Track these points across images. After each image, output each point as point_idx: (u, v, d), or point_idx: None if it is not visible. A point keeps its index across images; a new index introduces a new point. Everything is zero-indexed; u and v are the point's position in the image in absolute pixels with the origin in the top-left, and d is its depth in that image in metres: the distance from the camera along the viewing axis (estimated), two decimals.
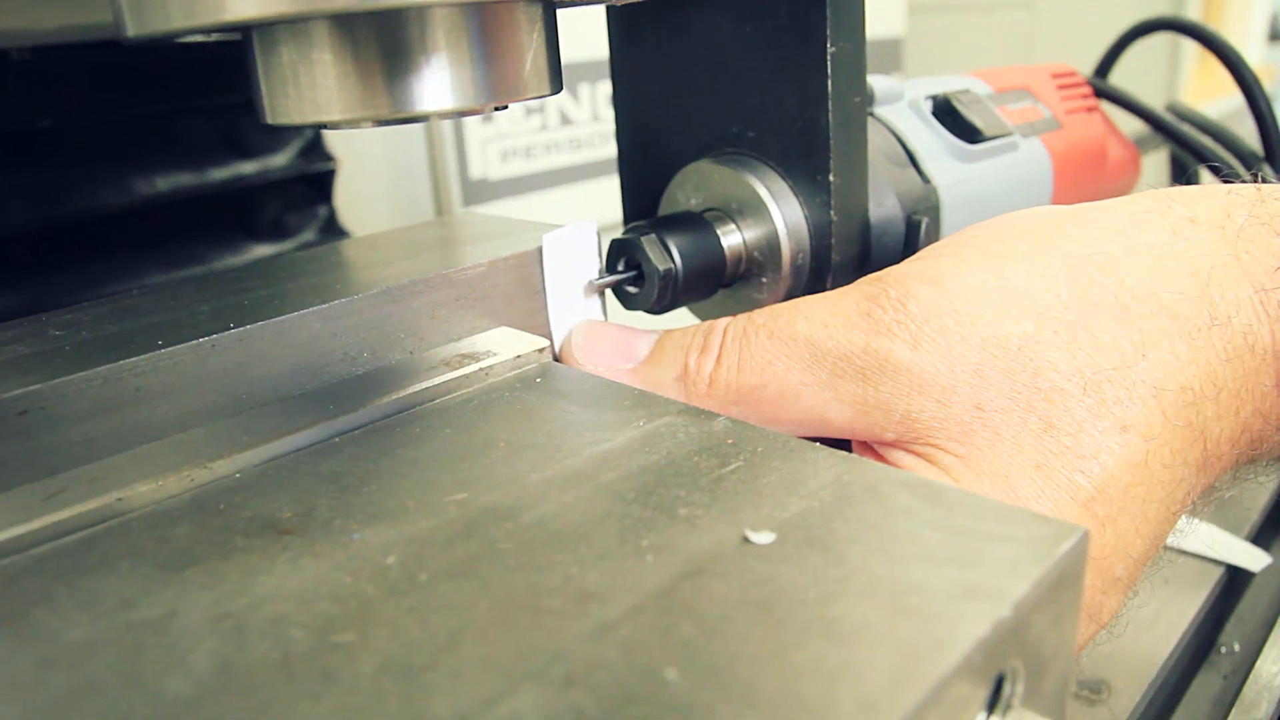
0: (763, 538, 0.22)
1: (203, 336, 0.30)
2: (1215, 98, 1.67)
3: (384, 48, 0.26)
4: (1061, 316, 0.30)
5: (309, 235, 0.75)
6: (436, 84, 0.27)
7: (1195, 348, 0.30)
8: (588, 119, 0.99)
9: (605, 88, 0.98)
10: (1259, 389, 0.30)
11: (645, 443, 0.28)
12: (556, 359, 0.38)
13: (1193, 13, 1.37)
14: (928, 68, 1.51)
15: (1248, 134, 0.69)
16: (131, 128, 0.64)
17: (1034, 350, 0.30)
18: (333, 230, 0.74)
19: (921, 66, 1.49)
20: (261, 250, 0.72)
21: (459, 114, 0.27)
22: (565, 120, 0.98)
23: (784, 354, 0.33)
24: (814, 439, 0.29)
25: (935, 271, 0.32)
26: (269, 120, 0.28)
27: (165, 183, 0.66)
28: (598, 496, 0.25)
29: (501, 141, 0.92)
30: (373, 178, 0.88)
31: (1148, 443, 0.29)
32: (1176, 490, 0.30)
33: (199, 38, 0.28)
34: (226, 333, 0.30)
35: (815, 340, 0.32)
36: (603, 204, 0.97)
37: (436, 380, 0.32)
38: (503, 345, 0.35)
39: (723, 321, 0.35)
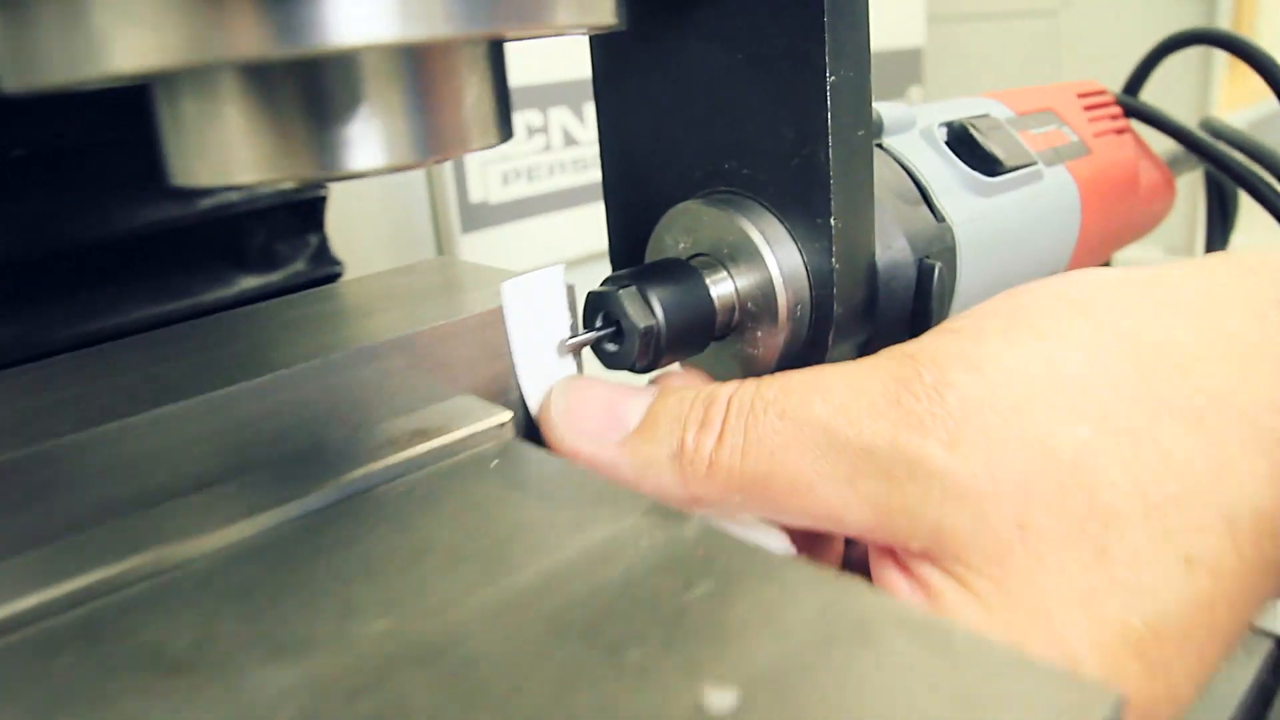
0: (723, 700, 0.18)
1: (113, 420, 0.27)
2: (1248, 104, 1.62)
3: (301, 100, 0.23)
4: (1125, 421, 0.26)
5: (300, 265, 0.71)
6: (364, 140, 0.23)
7: (1277, 466, 0.25)
8: (592, 139, 0.96)
9: None
10: None
11: (602, 555, 0.24)
12: (531, 422, 0.34)
13: (1223, 23, 1.32)
14: (949, 77, 1.46)
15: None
16: (111, 155, 0.61)
17: (1090, 461, 0.25)
18: (325, 260, 0.71)
19: (942, 76, 1.44)
20: (250, 281, 0.69)
21: (391, 171, 0.24)
22: (569, 140, 0.94)
23: (796, 439, 0.28)
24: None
25: (979, 354, 0.28)
26: (176, 181, 0.25)
27: (149, 212, 0.63)
28: (538, 630, 0.21)
29: (503, 163, 0.89)
30: (366, 204, 0.85)
31: (1215, 580, 0.25)
32: (1240, 631, 0.25)
33: (97, 86, 0.24)
34: (140, 416, 0.27)
35: (834, 427, 0.28)
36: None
37: (379, 465, 0.29)
38: (459, 419, 0.31)
39: (726, 390, 0.31)
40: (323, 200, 0.70)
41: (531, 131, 0.91)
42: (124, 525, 0.26)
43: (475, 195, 0.88)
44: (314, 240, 0.73)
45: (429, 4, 0.20)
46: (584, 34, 0.26)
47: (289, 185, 0.24)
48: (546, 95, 0.91)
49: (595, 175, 0.97)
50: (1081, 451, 0.26)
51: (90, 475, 0.26)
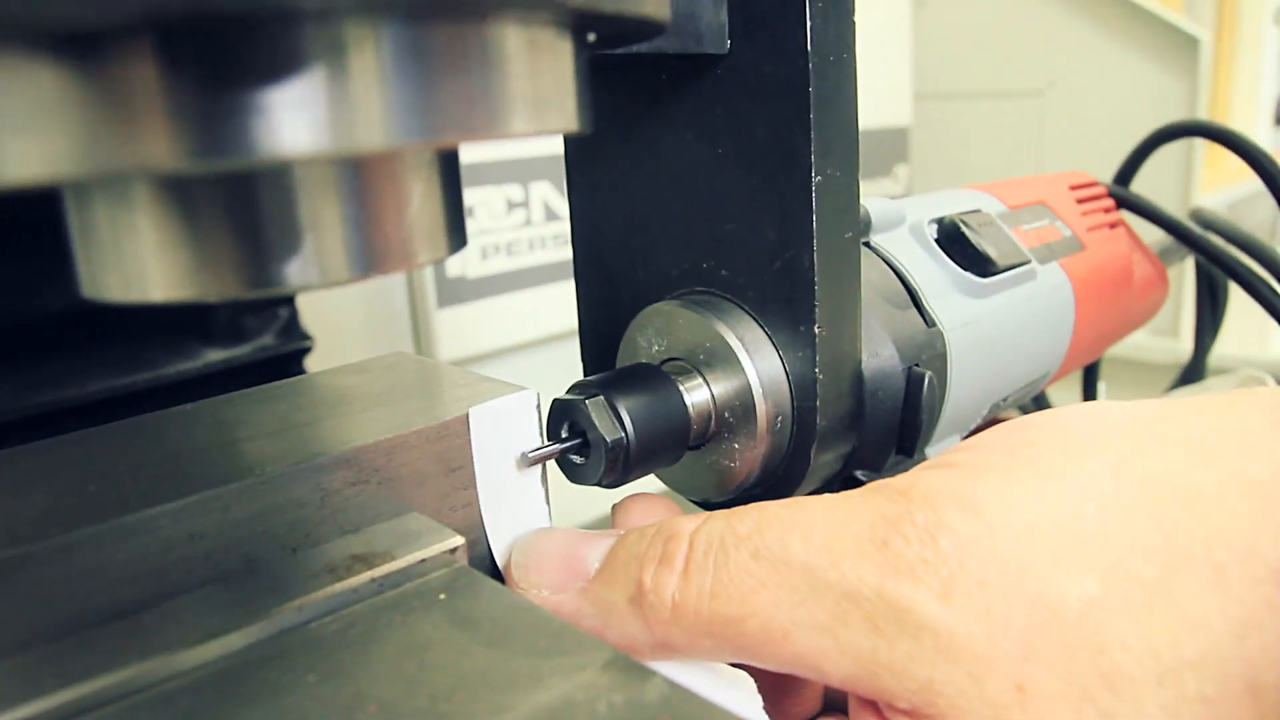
0: None
1: (15, 547, 0.24)
2: (1228, 183, 1.62)
3: (225, 212, 0.20)
4: (1137, 574, 0.23)
5: (268, 339, 0.69)
6: (294, 256, 0.21)
7: None
8: None
9: None
10: None
11: (554, 718, 0.21)
12: (489, 556, 0.31)
13: (1201, 96, 1.33)
14: (936, 156, 1.46)
15: (1264, 219, 0.63)
16: None
17: (1098, 619, 0.23)
18: (294, 334, 0.69)
19: (929, 155, 1.44)
20: (216, 354, 0.67)
21: (325, 287, 0.21)
22: (551, 215, 0.93)
23: (772, 581, 0.25)
24: None
25: (976, 494, 0.25)
26: (85, 293, 0.22)
27: None
28: None
29: (482, 237, 0.87)
30: None
31: None
32: None
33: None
34: (47, 542, 0.24)
35: (814, 569, 0.25)
36: None
37: (315, 596, 0.26)
38: (407, 542, 0.28)
39: (688, 524, 0.28)
40: None
41: (512, 206, 0.89)
42: (18, 665, 0.24)
43: (453, 269, 0.86)
44: (284, 314, 0.71)
45: (366, 115, 0.18)
46: (544, 136, 0.24)
47: (211, 302, 0.22)
48: (527, 169, 0.90)
49: None
50: (1089, 607, 0.23)
51: None
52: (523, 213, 0.91)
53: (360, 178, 0.21)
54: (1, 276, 0.56)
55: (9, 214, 0.54)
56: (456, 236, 0.23)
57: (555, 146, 0.90)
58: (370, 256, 0.21)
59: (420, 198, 0.21)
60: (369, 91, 0.18)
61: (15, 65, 0.17)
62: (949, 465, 0.27)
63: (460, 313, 0.88)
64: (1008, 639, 0.23)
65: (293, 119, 0.18)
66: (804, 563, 0.25)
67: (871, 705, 0.26)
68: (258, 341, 0.69)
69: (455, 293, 0.88)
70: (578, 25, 0.22)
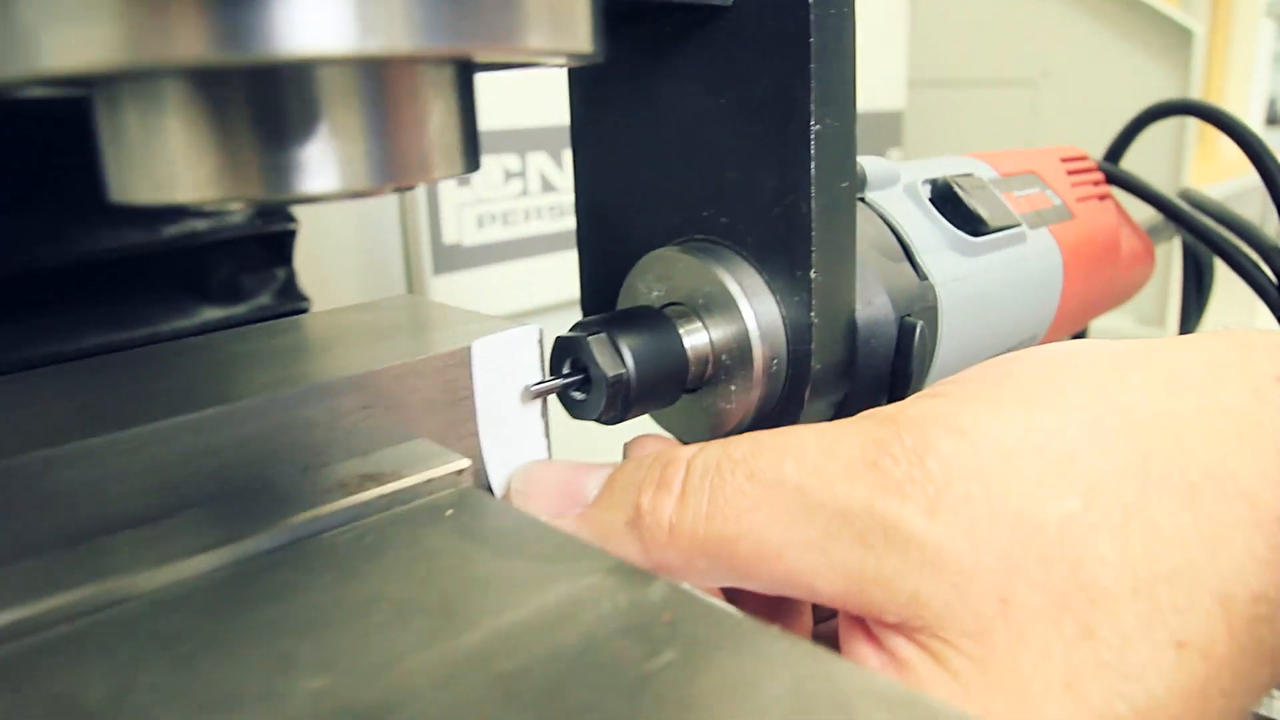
0: None
1: (38, 450, 0.25)
2: (1220, 179, 1.64)
3: (251, 114, 0.21)
4: (1115, 494, 0.24)
5: (265, 299, 0.70)
6: (315, 161, 0.21)
7: (1275, 547, 0.24)
8: (570, 186, 0.95)
9: None
10: None
11: (560, 615, 0.22)
12: (486, 483, 0.32)
13: (1194, 89, 1.34)
14: (928, 142, 1.47)
15: (1253, 216, 0.64)
16: (73, 179, 0.59)
17: (1078, 535, 0.24)
18: (291, 294, 0.70)
19: (922, 140, 1.45)
20: (213, 313, 0.67)
21: (347, 197, 0.22)
22: (547, 186, 0.93)
23: (766, 502, 0.26)
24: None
25: (962, 418, 0.26)
26: (114, 197, 0.23)
27: (111, 238, 0.61)
28: (487, 696, 0.19)
29: (478, 206, 0.88)
30: (337, 239, 0.83)
31: (1207, 664, 0.23)
32: (1233, 718, 0.24)
33: (39, 92, 0.23)
34: (69, 445, 0.25)
35: (806, 489, 0.26)
36: None
37: (327, 509, 0.27)
38: (415, 464, 0.29)
39: (685, 451, 0.29)
40: (292, 234, 0.69)
41: (509, 175, 0.89)
42: (44, 564, 0.24)
43: (449, 237, 0.86)
44: (281, 274, 0.72)
45: (390, 16, 0.19)
46: (558, 64, 0.24)
47: (235, 207, 0.22)
48: (525, 140, 0.90)
49: (572, 222, 0.96)
50: (1069, 524, 0.24)
51: (10, 509, 0.24)
52: (519, 183, 0.92)
53: (382, 87, 0.21)
54: (3, 230, 0.56)
55: (11, 166, 0.55)
56: (471, 157, 0.24)
57: (553, 118, 0.91)
58: (391, 167, 0.22)
59: (439, 113, 0.22)
60: None
61: None
62: (936, 395, 0.28)
63: (456, 280, 0.89)
64: (991, 553, 0.24)
65: (318, 18, 0.18)
66: (796, 484, 0.26)
67: (860, 623, 0.27)
68: (255, 301, 0.70)
69: (451, 260, 0.88)
70: None
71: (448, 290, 0.88)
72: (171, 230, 0.63)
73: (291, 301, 0.70)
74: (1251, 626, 0.23)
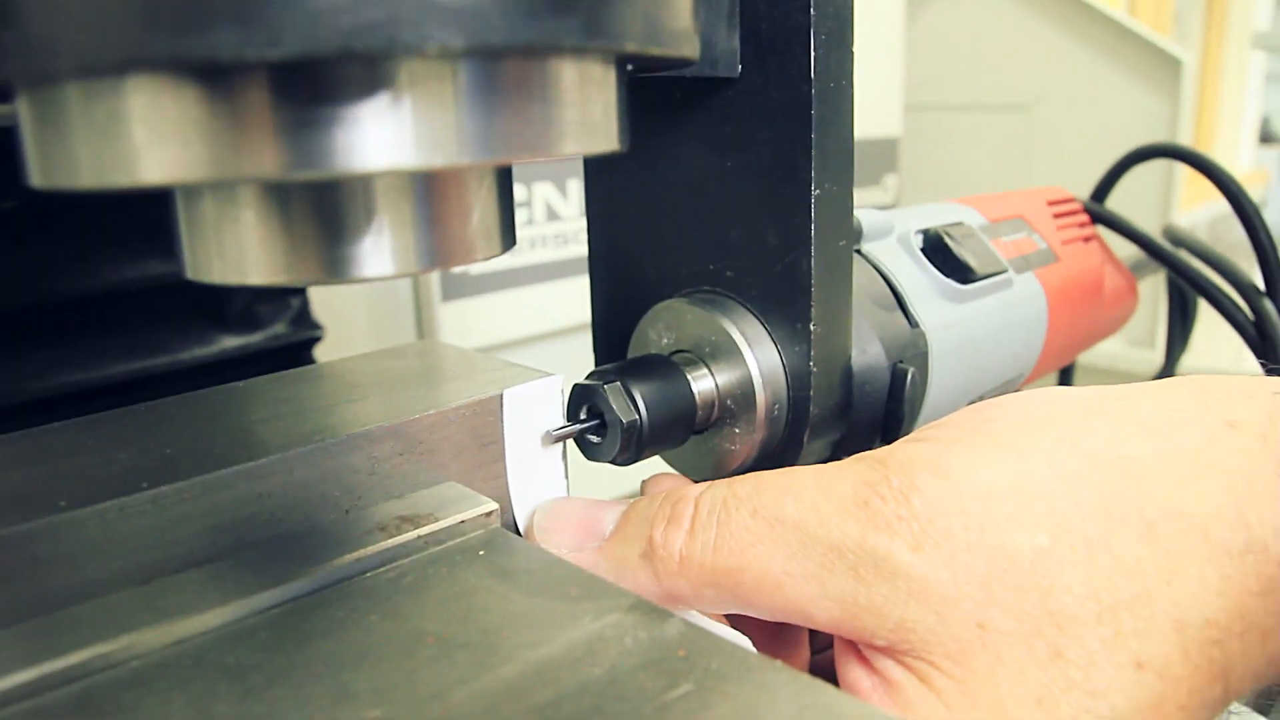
0: None
1: (111, 498, 0.27)
2: (1208, 200, 1.67)
3: (315, 212, 0.24)
4: (1080, 531, 0.27)
5: (280, 327, 0.72)
6: (373, 251, 0.24)
7: (1225, 577, 0.27)
8: (575, 214, 0.98)
9: None
10: None
11: (588, 650, 0.25)
12: (513, 522, 0.35)
13: (1185, 117, 1.37)
14: (924, 166, 1.50)
15: (1241, 239, 0.67)
16: (99, 212, 0.62)
17: (1047, 567, 0.27)
18: (305, 323, 0.72)
19: (917, 165, 1.48)
20: (230, 341, 0.70)
21: (397, 278, 0.25)
22: (552, 215, 0.96)
23: (768, 536, 0.29)
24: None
25: (944, 462, 0.29)
26: (190, 276, 0.26)
27: (132, 269, 0.63)
28: None
29: None
30: None
31: (1164, 683, 0.26)
32: None
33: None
34: (138, 494, 0.28)
35: (804, 526, 0.29)
36: (587, 302, 0.95)
37: (369, 550, 0.29)
38: (446, 506, 0.32)
39: (694, 490, 0.32)
40: None
41: (515, 205, 0.92)
42: (117, 602, 0.27)
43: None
44: (295, 303, 0.74)
45: (441, 137, 0.21)
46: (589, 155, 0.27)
47: (296, 286, 0.25)
48: (530, 170, 0.93)
49: (575, 250, 0.98)
50: (1039, 558, 0.27)
51: (85, 551, 0.27)
52: (525, 212, 0.94)
53: (432, 187, 0.24)
54: (26, 262, 0.59)
55: (42, 199, 0.57)
56: (508, 238, 0.27)
57: None
58: (438, 254, 0.25)
59: (481, 205, 0.25)
60: (444, 118, 0.22)
61: (160, 88, 0.21)
62: (921, 439, 0.31)
63: (463, 307, 0.92)
64: (970, 583, 0.27)
65: (375, 140, 0.21)
66: (795, 521, 0.29)
67: (853, 648, 0.30)
68: (270, 330, 0.72)
69: (459, 287, 0.91)
70: (622, 60, 0.25)
71: (455, 316, 0.91)
72: None
73: (305, 329, 0.73)
74: (1204, 648, 0.26)
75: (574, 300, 0.98)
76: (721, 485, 0.32)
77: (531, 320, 0.96)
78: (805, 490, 0.30)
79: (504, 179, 0.26)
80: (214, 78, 0.20)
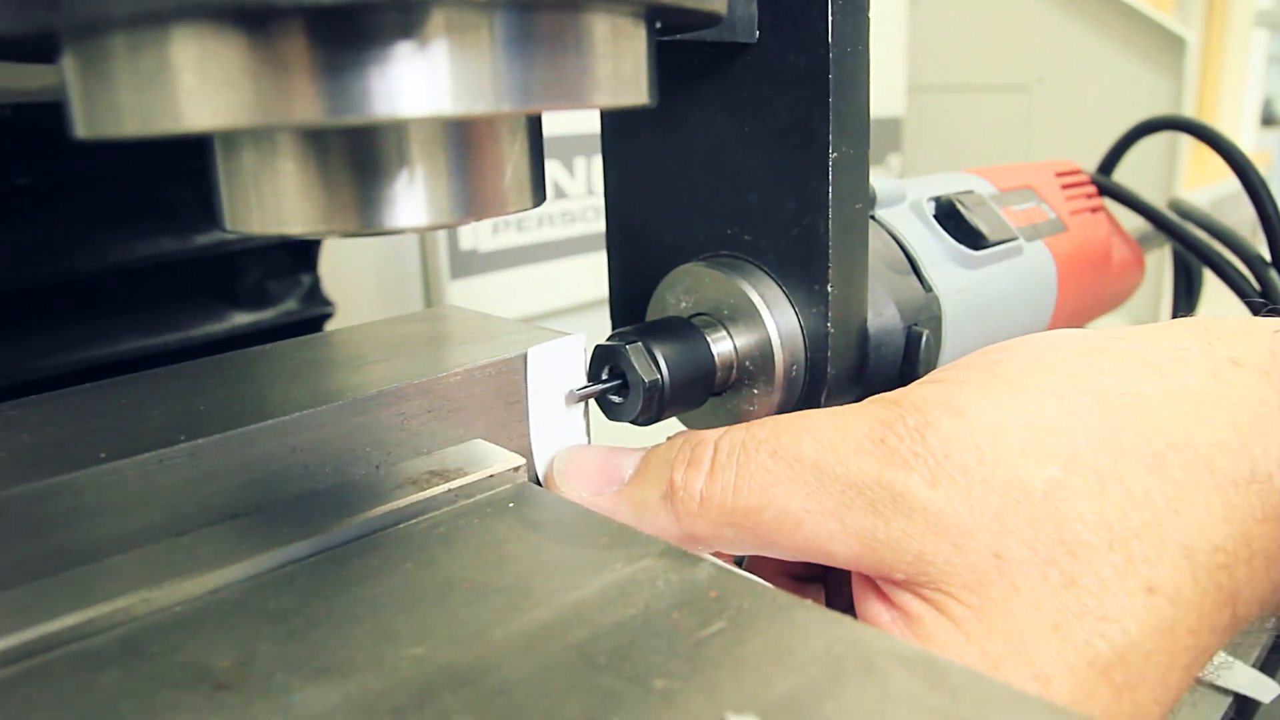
0: None
1: (150, 450, 0.28)
2: (1212, 180, 1.67)
3: (354, 160, 0.24)
4: (1091, 463, 0.28)
5: (291, 304, 0.73)
6: (409, 199, 0.25)
7: (1231, 505, 0.27)
8: (582, 192, 0.98)
9: (600, 161, 0.97)
10: None
11: (621, 592, 0.25)
12: (536, 476, 0.35)
13: (1188, 97, 1.37)
14: (927, 147, 1.50)
15: (1245, 219, 0.68)
16: (113, 189, 0.62)
17: (1060, 498, 0.28)
18: (316, 299, 0.73)
19: (920, 146, 1.48)
20: (242, 318, 0.70)
21: (433, 229, 0.25)
22: (559, 193, 0.96)
23: (787, 476, 0.30)
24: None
25: (957, 401, 0.30)
26: (228, 227, 0.26)
27: (145, 246, 0.64)
28: (566, 660, 0.23)
29: None
30: (359, 246, 0.86)
31: (1175, 607, 0.27)
32: (1200, 657, 0.27)
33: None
34: (176, 446, 0.28)
35: (822, 464, 0.30)
36: (596, 279, 0.96)
37: (401, 503, 0.30)
38: (475, 462, 0.32)
39: (713, 434, 0.33)
40: (317, 241, 0.72)
41: None
42: (157, 551, 0.28)
43: (465, 243, 0.89)
44: (307, 280, 0.75)
45: (477, 83, 0.22)
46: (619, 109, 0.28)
47: (335, 237, 0.26)
48: None
49: (583, 228, 0.99)
50: (1052, 489, 0.28)
51: (126, 502, 0.28)
52: None
53: (466, 136, 0.25)
54: (37, 240, 0.59)
55: (54, 176, 0.58)
56: (539, 192, 0.27)
57: (564, 128, 0.94)
58: (472, 204, 0.25)
59: (515, 157, 0.26)
60: (482, 65, 0.22)
61: (206, 35, 0.21)
62: (934, 380, 0.32)
63: (472, 284, 0.92)
64: (985, 515, 0.28)
65: (415, 87, 0.22)
66: (814, 459, 0.30)
67: (872, 584, 0.30)
68: (282, 306, 0.73)
69: (467, 265, 0.92)
70: (652, 15, 0.26)
71: (464, 294, 0.91)
72: (202, 239, 0.66)
73: (316, 306, 0.73)
74: (1212, 574, 0.27)
75: (582, 278, 0.99)
76: (739, 429, 0.32)
77: (539, 298, 0.96)
78: (822, 430, 0.31)
79: (535, 133, 0.27)
80: (258, 24, 0.21)
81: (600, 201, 0.98)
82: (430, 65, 0.22)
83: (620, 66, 0.25)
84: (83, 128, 0.24)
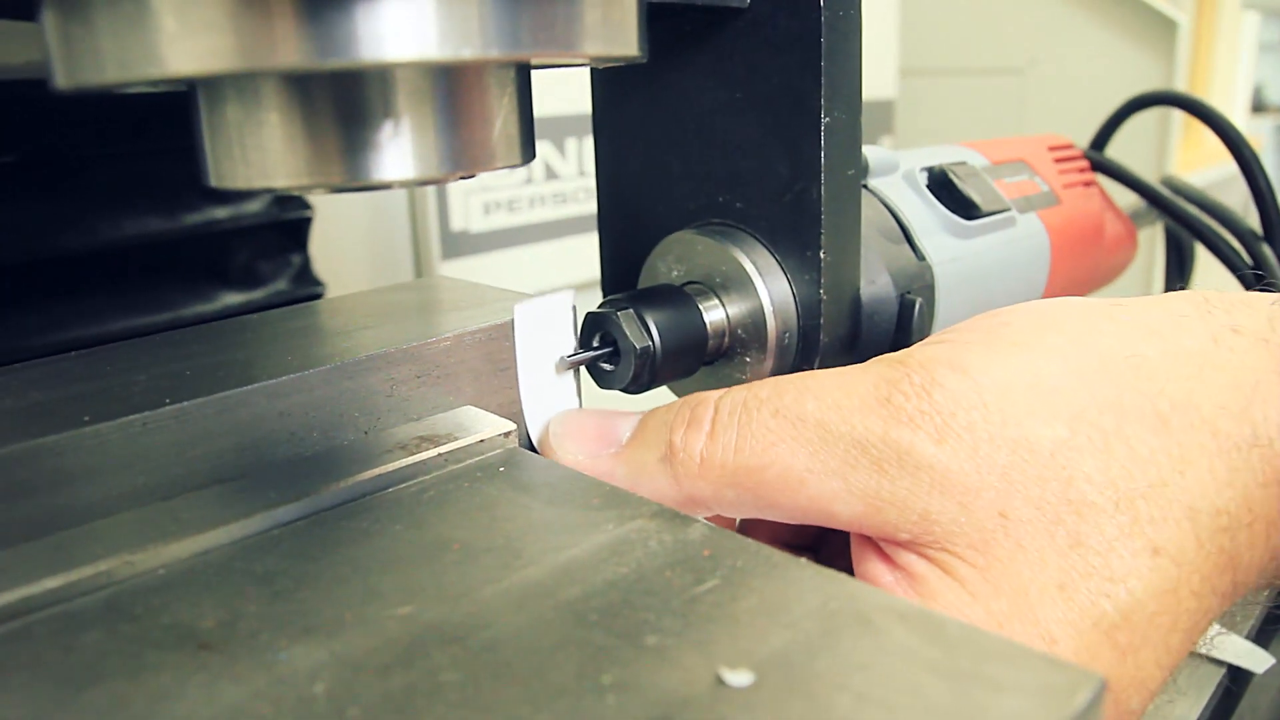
0: (739, 679, 0.20)
1: (134, 413, 0.28)
2: (1204, 166, 1.67)
3: (339, 111, 0.24)
4: (1097, 423, 0.28)
5: (282, 284, 0.72)
6: (396, 152, 0.24)
7: (1233, 469, 0.27)
8: (573, 173, 0.97)
9: (592, 142, 0.97)
10: None
11: (613, 551, 0.25)
12: (527, 440, 0.35)
13: (1179, 80, 1.37)
14: (918, 129, 1.50)
15: (1236, 203, 0.67)
16: (100, 167, 0.62)
17: (1066, 457, 0.27)
18: (306, 280, 0.72)
19: (912, 128, 1.48)
20: (232, 298, 0.70)
21: (420, 184, 0.25)
22: (551, 174, 0.96)
23: (790, 435, 0.30)
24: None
25: (964, 359, 0.29)
26: (212, 183, 0.26)
27: (134, 225, 0.63)
28: (557, 617, 0.22)
29: (484, 194, 0.90)
30: (350, 227, 0.86)
31: (1179, 569, 0.26)
32: (1201, 620, 0.27)
33: (142, 88, 0.25)
34: (161, 409, 0.28)
35: (826, 422, 0.29)
36: (588, 260, 0.95)
37: (390, 467, 0.30)
38: (465, 428, 0.32)
39: (713, 395, 0.32)
40: (308, 221, 0.71)
41: None
42: (142, 514, 0.27)
43: (456, 224, 0.89)
44: (297, 260, 0.74)
45: (465, 26, 0.21)
46: (608, 64, 0.27)
47: (319, 192, 0.25)
48: None
49: (574, 209, 0.98)
50: (1058, 448, 0.27)
51: (110, 465, 0.27)
52: (524, 171, 0.94)
53: (453, 86, 0.24)
54: (27, 218, 0.59)
55: (42, 154, 0.57)
56: (528, 150, 0.27)
57: (556, 108, 0.94)
58: (459, 158, 0.25)
59: (503, 110, 0.25)
60: (469, 9, 0.22)
61: None
62: (939, 340, 0.31)
63: (463, 265, 0.92)
64: (992, 474, 0.27)
65: (400, 30, 0.21)
66: (818, 419, 0.29)
67: (872, 545, 0.30)
68: (272, 286, 0.72)
69: (458, 246, 0.91)
70: None
71: (455, 274, 0.91)
72: (193, 218, 0.66)
73: (307, 286, 0.73)
74: (1215, 536, 0.27)
75: (573, 259, 0.98)
76: (740, 389, 0.32)
77: (531, 279, 0.96)
78: (826, 389, 0.30)
79: (524, 87, 0.26)
80: None
81: (592, 183, 0.98)
82: (417, 7, 0.21)
83: (609, 14, 0.24)
84: (63, 78, 0.24)
